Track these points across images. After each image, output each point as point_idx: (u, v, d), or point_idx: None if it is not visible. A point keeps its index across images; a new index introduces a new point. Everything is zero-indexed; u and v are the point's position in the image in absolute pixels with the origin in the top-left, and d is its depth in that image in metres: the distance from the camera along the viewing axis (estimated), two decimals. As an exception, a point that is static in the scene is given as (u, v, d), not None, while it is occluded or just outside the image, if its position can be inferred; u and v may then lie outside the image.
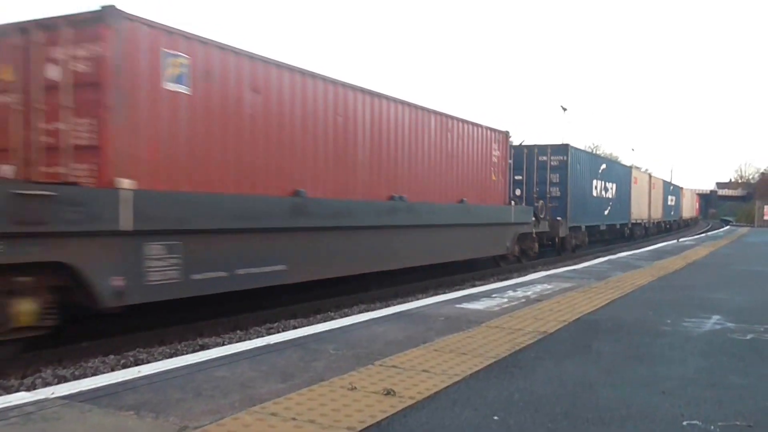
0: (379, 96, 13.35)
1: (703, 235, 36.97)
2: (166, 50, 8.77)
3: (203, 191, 9.15)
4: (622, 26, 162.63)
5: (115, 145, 8.14)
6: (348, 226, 11.95)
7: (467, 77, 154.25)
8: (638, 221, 36.24)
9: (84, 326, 8.61)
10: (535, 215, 20.58)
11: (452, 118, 16.17)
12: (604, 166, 29.72)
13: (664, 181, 47.84)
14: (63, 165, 8.15)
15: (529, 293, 8.77)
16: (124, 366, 7.26)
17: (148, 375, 4.46)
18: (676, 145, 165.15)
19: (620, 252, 19.36)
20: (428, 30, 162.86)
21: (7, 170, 8.39)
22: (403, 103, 14.17)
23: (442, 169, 15.64)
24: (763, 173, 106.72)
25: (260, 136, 10.31)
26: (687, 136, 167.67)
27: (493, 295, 8.53)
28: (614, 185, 30.59)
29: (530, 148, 23.87)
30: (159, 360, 6.84)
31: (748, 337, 6.12)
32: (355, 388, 4.12)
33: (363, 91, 12.82)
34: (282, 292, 11.11)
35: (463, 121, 16.72)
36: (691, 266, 13.68)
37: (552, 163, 23.51)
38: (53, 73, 8.31)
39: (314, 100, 11.46)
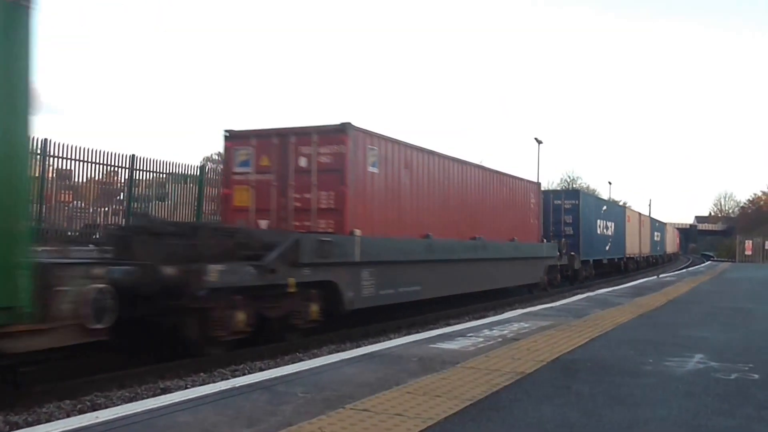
0: (463, 162, 17.88)
1: (683, 270, 37.22)
2: (368, 146, 13.36)
3: (385, 236, 13.71)
4: (598, 60, 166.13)
5: (350, 208, 12.69)
6: (452, 259, 16.32)
7: (442, 107, 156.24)
8: (632, 256, 40.13)
9: (38, 369, 8.26)
10: (559, 251, 24.48)
11: (506, 175, 20.86)
12: (605, 207, 34.70)
13: (651, 218, 52.90)
14: (310, 221, 12.76)
15: (505, 332, 8.59)
16: (81, 411, 6.93)
17: (106, 421, 4.25)
18: (653, 178, 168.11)
19: (599, 289, 19.31)
20: (404, 62, 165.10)
21: (263, 224, 13.01)
22: (476, 166, 19.20)
23: (500, 214, 19.88)
24: (743, 207, 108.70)
25: (408, 198, 14.84)
26: (665, 169, 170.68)
27: (469, 335, 8.33)
28: (613, 224, 34.62)
29: (546, 192, 28.43)
30: (118, 405, 6.53)
31: (733, 376, 5.99)
32: (324, 433, 3.91)
33: (454, 160, 17.26)
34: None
35: (512, 177, 21.38)
36: (673, 303, 13.61)
37: (566, 206, 28.13)
38: (303, 162, 12.94)
39: (432, 170, 15.98)
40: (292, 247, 10.97)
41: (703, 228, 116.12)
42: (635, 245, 41.14)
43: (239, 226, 12.11)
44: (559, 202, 28.08)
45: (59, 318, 6.96)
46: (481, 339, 7.97)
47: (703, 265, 48.26)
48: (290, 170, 12.99)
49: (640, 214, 46.49)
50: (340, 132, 12.73)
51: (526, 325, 9.31)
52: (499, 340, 7.92)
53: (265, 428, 4.07)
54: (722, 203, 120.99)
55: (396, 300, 13.95)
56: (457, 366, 6.18)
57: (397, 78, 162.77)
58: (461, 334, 8.46)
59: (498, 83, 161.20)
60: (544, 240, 23.84)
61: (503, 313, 12.04)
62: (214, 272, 9.34)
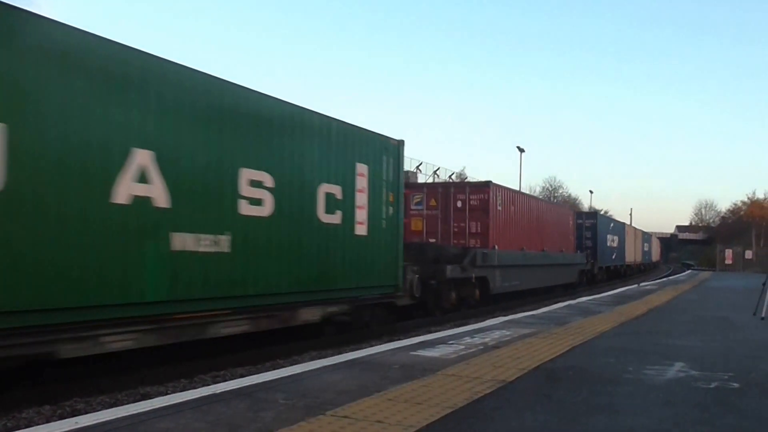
0: (536, 198, 27.37)
1: (664, 279, 37.53)
2: (497, 194, 21.12)
3: (507, 249, 21.29)
4: (580, 69, 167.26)
5: (491, 232, 20.35)
6: (534, 264, 24.09)
7: (423, 116, 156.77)
8: (629, 263, 49.37)
9: (17, 374, 8.16)
10: (585, 259, 32.62)
11: (555, 204, 32.23)
12: (612, 224, 43.46)
13: (643, 231, 62.19)
14: (465, 240, 20.30)
15: (487, 340, 8.59)
16: (61, 417, 6.84)
17: (86, 426, 4.22)
18: (635, 187, 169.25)
19: (581, 297, 19.38)
20: (385, 66, 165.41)
21: (434, 242, 20.49)
22: (541, 200, 30.22)
23: (554, 232, 27.68)
24: (723, 217, 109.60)
25: (513, 224, 22.57)
26: (646, 178, 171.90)
27: (450, 342, 8.33)
28: (617, 237, 43.21)
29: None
30: (98, 410, 6.47)
31: (712, 385, 6.02)
32: (305, 440, 3.90)
33: (530, 196, 26.00)
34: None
35: (559, 206, 29.90)
36: (654, 312, 13.68)
37: (586, 224, 36.32)
38: (459, 204, 20.51)
39: (522, 205, 23.85)
40: (473, 256, 18.73)
41: (684, 237, 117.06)
42: (632, 254, 50.19)
43: (440, 244, 20.00)
44: (581, 221, 35.80)
45: (406, 290, 14.69)
46: (462, 346, 7.96)
47: (683, 274, 48.61)
48: (451, 209, 20.74)
49: (634, 228, 56.31)
50: (485, 186, 20.91)
51: (508, 333, 9.32)
52: (481, 347, 7.92)
53: (246, 435, 4.03)
54: (703, 213, 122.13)
55: (510, 290, 21.50)
56: (439, 373, 6.17)
57: (379, 83, 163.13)
58: (443, 341, 8.45)
59: (480, 91, 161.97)
60: (578, 251, 32.20)
61: (485, 320, 12.03)
62: (449, 269, 17.52)
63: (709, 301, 17.74)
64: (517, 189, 25.43)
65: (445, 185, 22.42)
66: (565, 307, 14.63)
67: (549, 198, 77.28)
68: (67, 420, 4.73)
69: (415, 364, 6.66)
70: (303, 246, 11.15)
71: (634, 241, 52.11)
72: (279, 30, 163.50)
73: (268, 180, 10.29)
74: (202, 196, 9.13)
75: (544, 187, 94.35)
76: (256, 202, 10.08)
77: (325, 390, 5.39)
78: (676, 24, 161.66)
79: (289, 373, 6.18)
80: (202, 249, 9.09)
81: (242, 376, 8.27)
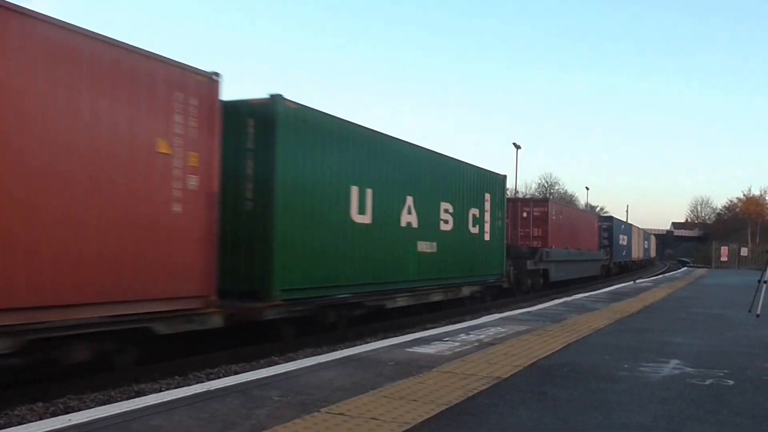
0: (574, 206, 44.49)
1: (660, 276, 37.63)
2: (552, 207, 28.70)
3: (558, 248, 27.74)
4: (576, 66, 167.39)
5: (549, 236, 27.12)
6: (574, 260, 30.59)
7: (418, 111, 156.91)
8: (634, 259, 55.38)
9: (9, 372, 8.12)
10: (605, 255, 38.99)
11: (585, 211, 41.76)
12: (623, 225, 50.60)
13: (644, 230, 67.58)
14: (530, 241, 26.75)
15: (482, 337, 8.58)
16: (54, 414, 6.82)
17: (79, 423, 4.19)
18: (631, 183, 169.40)
19: (576, 294, 19.39)
20: (382, 62, 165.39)
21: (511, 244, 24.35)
22: (576, 208, 45.85)
23: (584, 234, 34.16)
24: (719, 213, 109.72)
25: (559, 228, 28.37)
26: (642, 175, 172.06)
27: (445, 339, 8.32)
28: (626, 236, 49.58)
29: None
30: (91, 407, 6.42)
31: (707, 382, 6.02)
32: (299, 437, 3.89)
33: (569, 204, 39.20)
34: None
35: (588, 212, 43.45)
36: (649, 309, 13.68)
37: (603, 226, 41.76)
38: (524, 214, 27.32)
39: (566, 214, 30.91)
40: (540, 254, 25.42)
41: (680, 234, 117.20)
42: (636, 251, 56.58)
43: (516, 244, 24.96)
44: (600, 224, 41.29)
45: (506, 277, 20.79)
46: (457, 343, 7.96)
47: (679, 271, 48.72)
48: (518, 218, 27.04)
49: (639, 228, 61.87)
50: (545, 201, 31.08)
51: (503, 330, 9.32)
52: (476, 344, 7.92)
53: (240, 432, 4.00)
54: (699, 209, 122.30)
55: (561, 279, 28.03)
56: (434, 370, 6.16)
57: (373, 77, 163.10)
58: (438, 338, 8.44)
59: (476, 88, 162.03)
60: (600, 249, 38.12)
61: (480, 317, 12.02)
62: (528, 263, 24.27)
63: (704, 299, 17.75)
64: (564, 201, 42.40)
65: (513, 200, 29.91)
66: (560, 304, 14.63)
67: (545, 194, 78.42)
68: (59, 417, 4.72)
69: (410, 361, 6.65)
70: (463, 249, 17.65)
71: (638, 239, 58.41)
72: (261, 21, 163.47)
73: (450, 208, 16.73)
74: (427, 219, 15.52)
75: (540, 184, 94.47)
76: (445, 222, 16.53)
77: (320, 387, 5.37)
78: (673, 20, 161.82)
79: (284, 370, 6.17)
80: (427, 250, 15.56)
81: (237, 373, 8.27)
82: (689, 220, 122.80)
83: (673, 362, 7.03)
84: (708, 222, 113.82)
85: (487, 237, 19.14)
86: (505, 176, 21.19)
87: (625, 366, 6.71)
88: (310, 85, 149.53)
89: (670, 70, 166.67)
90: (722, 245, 62.91)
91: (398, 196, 14.30)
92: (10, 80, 6.93)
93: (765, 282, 13.00)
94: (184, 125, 8.81)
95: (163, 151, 8.53)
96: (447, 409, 4.71)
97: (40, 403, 7.47)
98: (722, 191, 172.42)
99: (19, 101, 7.02)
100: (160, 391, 7.34)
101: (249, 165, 10.55)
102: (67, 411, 6.84)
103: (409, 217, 14.63)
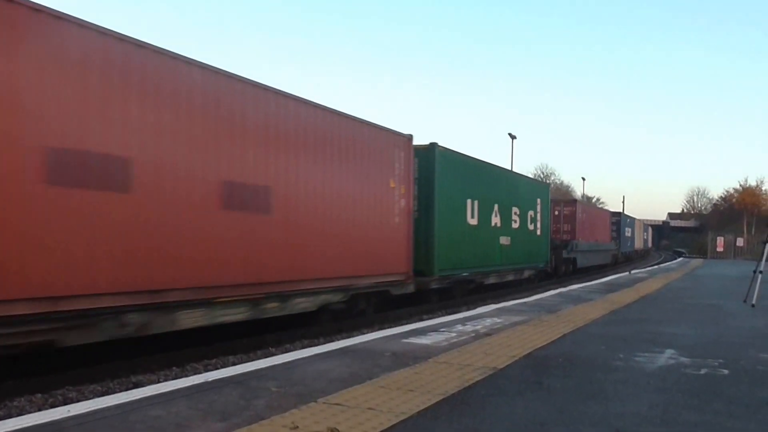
0: (594, 206, 55.52)
1: (655, 267, 37.75)
2: (578, 206, 35.51)
3: (583, 241, 34.19)
4: (571, 55, 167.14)
5: (577, 230, 33.34)
6: (594, 250, 37.14)
7: (413, 100, 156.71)
8: (637, 249, 61.88)
9: (7, 364, 8.14)
10: (615, 246, 45.70)
11: (602, 209, 49.86)
12: (628, 219, 56.34)
13: (643, 222, 73.80)
14: (561, 234, 32.23)
15: (478, 327, 8.61)
16: (53, 405, 6.85)
17: (77, 415, 4.19)
18: (627, 173, 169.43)
19: (571, 285, 19.44)
20: (378, 53, 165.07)
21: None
22: (597, 207, 57.75)
23: (600, 228, 39.61)
24: (715, 204, 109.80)
25: (582, 224, 34.31)
26: (638, 165, 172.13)
27: (442, 330, 8.35)
28: (630, 229, 56.28)
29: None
30: (90, 399, 6.46)
31: (702, 371, 6.06)
32: (297, 427, 3.91)
33: (591, 206, 52.06)
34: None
35: (603, 209, 50.28)
36: (644, 299, 13.73)
37: (612, 220, 47.17)
38: (556, 212, 32.17)
39: (590, 212, 38.96)
40: (572, 245, 31.56)
41: (676, 225, 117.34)
42: (638, 242, 62.85)
43: (552, 237, 28.91)
44: (611, 219, 46.79)
45: (551, 263, 28.23)
46: (454, 334, 7.98)
47: (674, 261, 48.82)
48: (551, 216, 29.31)
49: (640, 221, 68.83)
50: (573, 202, 36.63)
51: (499, 321, 9.35)
52: (472, 335, 7.94)
53: (238, 422, 4.04)
54: (695, 200, 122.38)
55: (584, 266, 34.10)
56: (430, 361, 6.18)
57: (368, 66, 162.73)
58: (434, 329, 8.47)
59: (472, 77, 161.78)
60: (612, 241, 44.56)
61: (476, 308, 12.05)
62: (564, 252, 31.10)
63: (699, 289, 17.82)
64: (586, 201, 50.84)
65: (557, 201, 35.56)
66: (556, 294, 14.67)
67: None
68: (59, 408, 4.72)
69: (406, 352, 6.67)
70: (525, 242, 23.70)
71: (639, 231, 65.20)
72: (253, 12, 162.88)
73: (517, 211, 22.67)
74: (505, 220, 21.37)
75: (536, 174, 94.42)
76: (515, 222, 22.48)
77: (317, 378, 5.39)
78: (669, 10, 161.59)
79: (281, 361, 6.17)
80: (505, 243, 21.49)
81: (234, 364, 8.28)
82: (685, 210, 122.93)
83: (669, 352, 7.06)
84: (704, 212, 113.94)
85: (538, 232, 25.59)
86: (549, 185, 33.95)
87: (621, 356, 6.74)
88: (305, 70, 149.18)
89: (667, 61, 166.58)
90: (718, 236, 63.15)
91: (490, 204, 20.34)
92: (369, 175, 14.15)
93: (760, 272, 13.04)
94: (398, 168, 15.12)
95: (392, 185, 14.87)
96: (443, 399, 4.73)
97: (39, 395, 7.52)
98: (719, 182, 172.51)
99: (359, 180, 13.69)
100: (158, 382, 7.35)
101: (415, 188, 16.01)
102: (66, 402, 6.87)
103: (495, 219, 20.78)
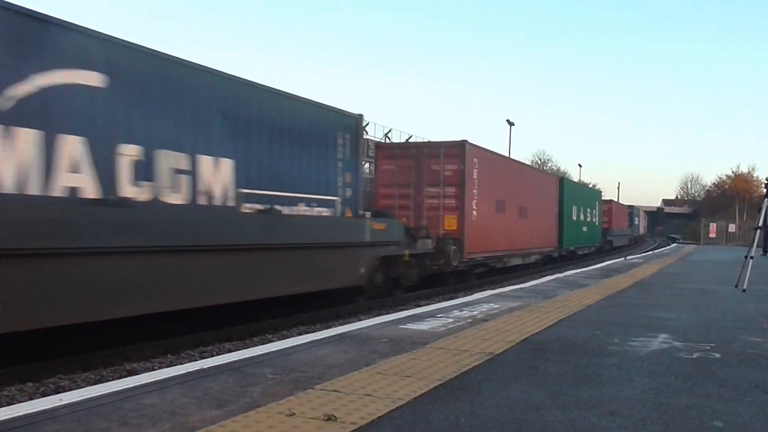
0: (616, 202, 59.87)
1: (650, 252, 37.90)
2: (613, 204, 55.62)
3: (615, 228, 52.98)
4: (568, 42, 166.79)
5: (612, 221, 52.61)
6: (621, 234, 56.05)
7: (410, 87, 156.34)
8: (641, 234, 75.76)
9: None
10: (631, 231, 62.37)
11: (623, 204, 65.48)
12: (636, 209, 70.30)
13: (644, 210, 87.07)
14: (603, 224, 47.47)
15: (475, 313, 8.63)
16: (44, 394, 6.83)
17: (70, 403, 4.14)
18: (622, 160, 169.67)
19: (567, 270, 19.48)
20: (375, 40, 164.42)
21: None
22: (618, 203, 62.95)
23: (622, 218, 59.00)
24: (708, 190, 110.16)
25: (613, 217, 51.00)
26: (633, 152, 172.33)
27: (438, 315, 8.35)
28: (638, 218, 71.18)
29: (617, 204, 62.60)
30: (82, 387, 6.44)
31: (695, 355, 6.08)
32: (294, 413, 3.90)
33: (615, 202, 55.54)
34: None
35: (626, 205, 66.85)
36: (639, 285, 13.77)
37: (628, 212, 62.24)
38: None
39: (615, 206, 54.81)
40: (611, 231, 49.64)
41: (670, 211, 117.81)
42: (641, 228, 76.61)
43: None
44: (628, 210, 62.53)
45: (602, 244, 45.66)
46: (451, 320, 7.99)
47: (669, 247, 49.01)
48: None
49: (642, 210, 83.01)
50: (610, 201, 54.52)
51: (496, 306, 9.37)
52: (469, 320, 7.95)
53: (234, 410, 4.03)
54: (689, 186, 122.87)
55: (616, 245, 50.03)
56: (427, 346, 6.19)
57: (366, 52, 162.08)
58: (431, 314, 8.47)
59: (470, 64, 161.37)
60: (628, 227, 58.51)
61: (473, 294, 12.07)
62: (607, 236, 48.35)
63: (692, 274, 17.88)
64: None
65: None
66: (552, 280, 14.71)
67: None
68: (50, 397, 4.67)
69: (403, 338, 6.67)
70: (590, 230, 38.57)
71: (642, 219, 79.60)
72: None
73: (588, 210, 38.36)
74: (584, 216, 37.30)
75: (533, 161, 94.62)
76: (587, 217, 38.19)
77: (314, 364, 5.38)
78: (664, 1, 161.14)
79: (278, 348, 6.15)
80: (585, 230, 37.55)
81: (230, 351, 8.29)
82: (679, 197, 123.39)
83: (662, 337, 7.09)
84: (698, 199, 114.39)
85: (596, 223, 40.76)
86: (600, 192, 50.27)
87: (615, 341, 6.76)
88: (298, 59, 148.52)
89: (662, 48, 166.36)
90: (711, 222, 63.29)
91: (579, 207, 35.48)
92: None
93: (751, 258, 13.11)
94: (552, 186, 34.60)
95: (550, 197, 32.56)
96: (440, 384, 4.74)
97: (30, 383, 7.47)
98: (712, 168, 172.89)
99: (539, 195, 29.47)
100: (153, 369, 7.33)
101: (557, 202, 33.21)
102: (58, 391, 6.85)
103: (581, 216, 36.39)
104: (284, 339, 7.93)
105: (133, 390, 4.50)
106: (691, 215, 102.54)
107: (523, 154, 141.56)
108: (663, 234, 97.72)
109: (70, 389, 6.69)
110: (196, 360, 7.34)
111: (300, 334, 9.68)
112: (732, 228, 61.40)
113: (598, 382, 5.00)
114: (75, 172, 8.47)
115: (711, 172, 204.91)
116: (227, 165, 10.93)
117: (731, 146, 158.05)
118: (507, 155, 33.61)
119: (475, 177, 19.69)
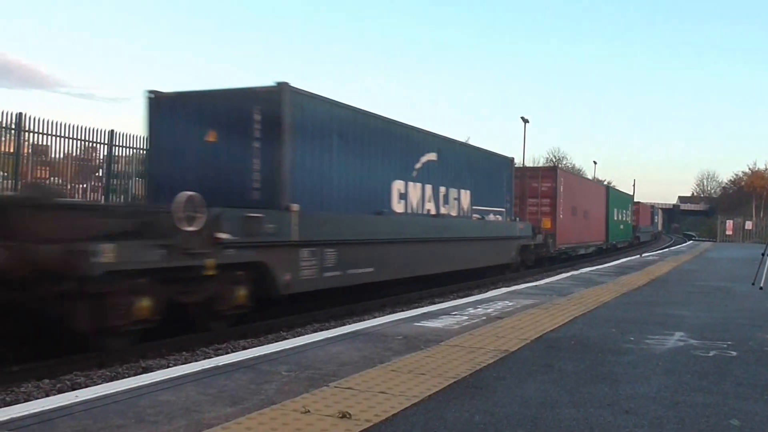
0: (642, 203, 65.22)
1: (666, 250, 37.74)
2: (640, 205, 60.38)
3: (641, 225, 61.87)
4: (582, 40, 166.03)
5: (639, 219, 56.46)
6: (646, 231, 62.66)
7: (428, 85, 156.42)
8: (660, 231, 79.83)
9: (15, 350, 8.16)
10: (653, 228, 68.80)
11: (649, 205, 71.14)
12: (656, 208, 75.74)
13: (661, 208, 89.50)
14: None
15: (489, 310, 8.61)
16: (60, 390, 6.86)
17: (86, 400, 4.18)
18: (638, 156, 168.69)
19: (583, 268, 19.40)
20: (389, 38, 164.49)
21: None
22: (645, 203, 68.52)
23: (646, 216, 64.24)
24: (724, 187, 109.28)
25: (640, 215, 57.53)
26: (649, 148, 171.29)
27: (453, 313, 8.35)
28: (657, 216, 75.22)
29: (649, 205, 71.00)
30: (98, 384, 6.48)
31: (711, 354, 6.05)
32: (309, 411, 3.90)
33: (642, 203, 64.04)
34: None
35: (647, 205, 69.52)
36: (654, 282, 13.70)
37: (651, 211, 67.01)
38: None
39: (641, 207, 59.99)
40: (639, 228, 56.64)
41: (686, 208, 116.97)
42: (660, 225, 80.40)
43: None
44: (651, 209, 69.03)
45: (632, 239, 56.88)
46: (465, 317, 7.98)
47: (684, 244, 48.79)
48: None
49: (660, 208, 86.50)
50: (638, 203, 59.10)
51: (511, 304, 9.34)
52: (484, 318, 7.94)
53: (249, 407, 4.04)
54: (705, 183, 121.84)
55: (643, 240, 58.58)
56: (442, 344, 6.18)
57: (381, 50, 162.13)
58: (446, 312, 8.47)
59: (484, 62, 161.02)
60: (651, 225, 64.87)
61: (488, 291, 12.04)
62: (635, 231, 58.99)
63: (709, 272, 17.77)
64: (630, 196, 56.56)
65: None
66: (567, 278, 14.67)
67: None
68: (66, 394, 4.72)
69: (418, 335, 6.67)
70: (625, 227, 45.98)
71: (660, 217, 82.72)
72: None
73: (623, 211, 45.51)
74: (622, 217, 44.62)
75: (548, 158, 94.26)
76: (623, 217, 45.09)
77: (328, 362, 5.39)
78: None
79: (292, 345, 6.17)
80: (621, 227, 44.49)
81: (244, 348, 8.29)
82: (695, 194, 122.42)
83: (678, 334, 7.05)
84: (714, 196, 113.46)
85: (629, 222, 47.02)
86: (632, 195, 57.69)
87: (631, 338, 6.73)
88: (313, 65, 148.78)
89: (678, 43, 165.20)
90: (727, 219, 62.88)
91: (618, 209, 42.51)
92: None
93: (769, 255, 13.00)
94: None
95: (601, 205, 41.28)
96: (455, 382, 4.73)
97: (47, 380, 7.49)
98: (728, 165, 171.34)
99: (591, 198, 35.55)
100: (168, 367, 7.33)
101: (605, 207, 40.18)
102: (74, 387, 6.86)
103: (618, 217, 42.52)
104: (299, 336, 7.96)
105: (148, 387, 4.53)
106: (707, 212, 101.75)
107: (537, 151, 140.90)
108: (679, 231, 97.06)
109: (86, 386, 6.69)
110: (211, 357, 7.35)
111: (314, 331, 9.69)
112: (749, 225, 61.01)
113: (614, 380, 4.97)
114: (428, 202, 16.99)
115: (727, 168, 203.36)
116: (468, 194, 19.42)
117: (748, 143, 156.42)
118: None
119: (561, 191, 28.22)
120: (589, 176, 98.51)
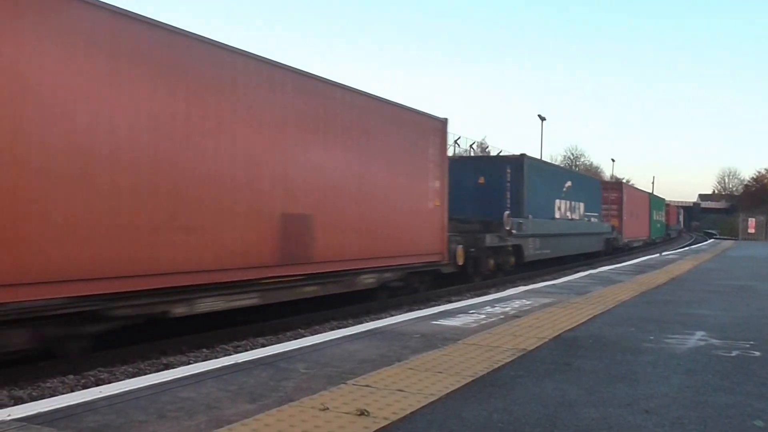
0: (670, 204, 72.32)
1: (686, 248, 37.40)
2: (671, 206, 69.63)
3: (670, 224, 68.60)
4: (601, 36, 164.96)
5: (669, 219, 63.50)
6: (674, 229, 73.58)
7: (444, 84, 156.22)
8: (681, 228, 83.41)
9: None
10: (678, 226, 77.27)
11: (676, 206, 79.57)
12: (680, 207, 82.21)
13: (681, 206, 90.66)
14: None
15: (507, 309, 8.59)
16: (84, 386, 6.96)
17: (109, 396, 4.23)
18: (657, 154, 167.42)
19: (601, 266, 19.30)
20: (407, 36, 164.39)
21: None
22: (673, 204, 76.98)
23: (675, 216, 74.92)
24: (746, 185, 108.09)
25: (671, 216, 66.88)
26: (669, 146, 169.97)
27: (471, 311, 8.34)
28: (679, 215, 78.76)
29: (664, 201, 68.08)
30: (121, 380, 6.56)
31: (733, 353, 5.98)
32: (327, 408, 3.93)
33: (671, 204, 72.29)
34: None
35: (676, 205, 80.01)
36: (674, 281, 13.58)
37: (677, 211, 76.66)
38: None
39: (669, 208, 66.86)
40: (669, 226, 64.43)
41: (707, 206, 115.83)
42: (682, 224, 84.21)
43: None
44: (677, 209, 75.65)
45: (667, 235, 67.00)
46: (483, 316, 7.97)
47: (705, 243, 48.28)
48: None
49: (680, 206, 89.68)
50: (667, 204, 63.31)
51: (528, 302, 9.31)
52: (501, 317, 7.92)
53: (268, 404, 4.07)
54: (726, 181, 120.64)
55: (672, 236, 67.24)
56: (459, 343, 6.18)
57: (395, 47, 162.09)
58: (463, 311, 8.46)
59: (502, 60, 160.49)
60: (677, 223, 75.06)
61: (505, 290, 12.01)
62: (668, 229, 65.75)
63: (730, 271, 17.58)
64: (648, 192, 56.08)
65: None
66: (585, 276, 14.59)
67: (570, 166, 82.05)
68: (90, 389, 4.78)
69: (435, 334, 6.67)
70: (659, 225, 53.67)
71: (682, 216, 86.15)
72: None
73: (659, 212, 54.52)
74: (657, 217, 54.00)
75: (565, 156, 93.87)
76: (658, 216, 52.45)
77: (346, 359, 5.41)
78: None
79: (310, 343, 6.20)
80: (658, 226, 52.92)
81: (263, 345, 8.36)
82: (716, 191, 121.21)
83: (699, 334, 6.99)
84: (735, 194, 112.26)
85: (663, 220, 55.40)
86: (664, 199, 60.55)
87: (651, 338, 6.68)
88: (325, 54, 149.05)
89: (699, 39, 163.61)
90: (749, 217, 62.19)
91: (656, 210, 51.07)
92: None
93: (793, 253, 12.87)
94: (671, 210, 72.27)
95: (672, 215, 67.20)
96: (472, 380, 4.73)
97: (71, 376, 7.62)
98: (750, 162, 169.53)
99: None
100: (188, 363, 7.42)
101: (649, 210, 50.00)
102: (97, 383, 6.97)
103: (656, 217, 50.78)
104: (317, 334, 7.99)
105: (170, 383, 4.58)
106: (729, 210, 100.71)
107: (555, 149, 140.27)
108: (699, 229, 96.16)
109: (110, 382, 6.82)
110: (231, 354, 7.42)
111: (332, 329, 9.71)
112: (772, 223, 60.24)
113: (633, 379, 4.94)
114: (568, 211, 26.61)
115: (749, 165, 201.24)
116: (582, 204, 28.55)
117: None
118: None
119: (625, 200, 38.16)
120: (607, 174, 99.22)
